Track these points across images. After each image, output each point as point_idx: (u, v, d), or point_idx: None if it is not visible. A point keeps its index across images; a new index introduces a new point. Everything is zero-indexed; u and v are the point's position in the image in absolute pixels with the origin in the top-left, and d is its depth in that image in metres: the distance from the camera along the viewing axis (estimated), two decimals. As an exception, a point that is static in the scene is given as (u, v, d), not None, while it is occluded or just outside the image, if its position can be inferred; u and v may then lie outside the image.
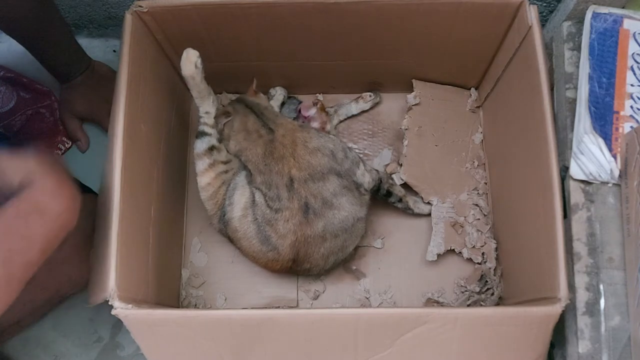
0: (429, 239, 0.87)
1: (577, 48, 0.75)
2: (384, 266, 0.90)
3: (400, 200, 0.87)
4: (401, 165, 0.89)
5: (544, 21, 0.91)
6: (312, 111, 0.93)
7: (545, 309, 0.62)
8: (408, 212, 0.90)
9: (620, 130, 0.70)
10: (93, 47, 1.04)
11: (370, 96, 0.97)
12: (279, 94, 0.96)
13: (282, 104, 0.96)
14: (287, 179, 0.75)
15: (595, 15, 0.74)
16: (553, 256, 0.64)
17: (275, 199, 0.75)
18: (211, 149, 0.82)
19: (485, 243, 0.87)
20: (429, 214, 0.89)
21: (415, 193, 0.90)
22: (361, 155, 0.96)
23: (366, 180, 0.80)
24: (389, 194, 0.85)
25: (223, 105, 0.98)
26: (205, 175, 0.82)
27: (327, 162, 0.76)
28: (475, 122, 0.95)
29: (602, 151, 0.68)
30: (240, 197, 0.79)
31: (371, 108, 0.98)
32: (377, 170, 0.83)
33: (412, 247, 0.90)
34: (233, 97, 0.99)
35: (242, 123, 0.81)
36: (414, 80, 0.93)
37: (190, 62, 0.78)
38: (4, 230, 0.54)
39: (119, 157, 0.66)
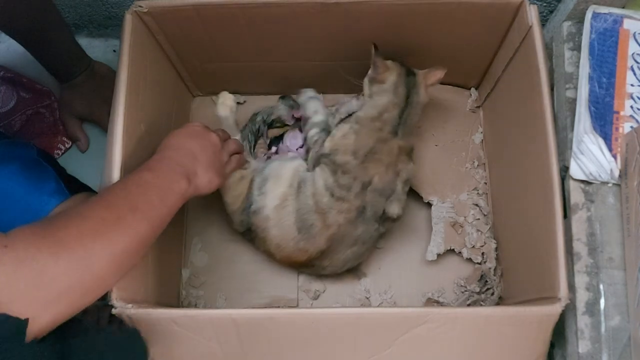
0: (429, 239, 0.87)
1: (577, 48, 0.75)
2: (384, 266, 0.90)
3: None
4: (401, 165, 0.89)
5: (544, 21, 0.91)
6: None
7: (545, 308, 0.62)
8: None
9: (620, 130, 0.70)
10: (93, 47, 1.04)
11: None
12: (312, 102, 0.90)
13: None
14: (367, 180, 0.76)
15: (595, 15, 0.74)
16: (553, 256, 0.64)
17: (345, 187, 0.76)
18: None
19: (485, 243, 0.87)
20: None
21: (415, 193, 0.90)
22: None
23: (395, 211, 0.79)
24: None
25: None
26: None
27: (400, 190, 0.78)
28: (475, 122, 0.95)
29: (602, 151, 0.68)
30: (276, 186, 0.79)
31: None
32: None
33: (412, 247, 0.90)
34: (233, 97, 0.98)
35: (395, 94, 0.79)
36: (414, 80, 0.93)
37: (226, 106, 0.88)
38: None
39: (118, 157, 0.65)
